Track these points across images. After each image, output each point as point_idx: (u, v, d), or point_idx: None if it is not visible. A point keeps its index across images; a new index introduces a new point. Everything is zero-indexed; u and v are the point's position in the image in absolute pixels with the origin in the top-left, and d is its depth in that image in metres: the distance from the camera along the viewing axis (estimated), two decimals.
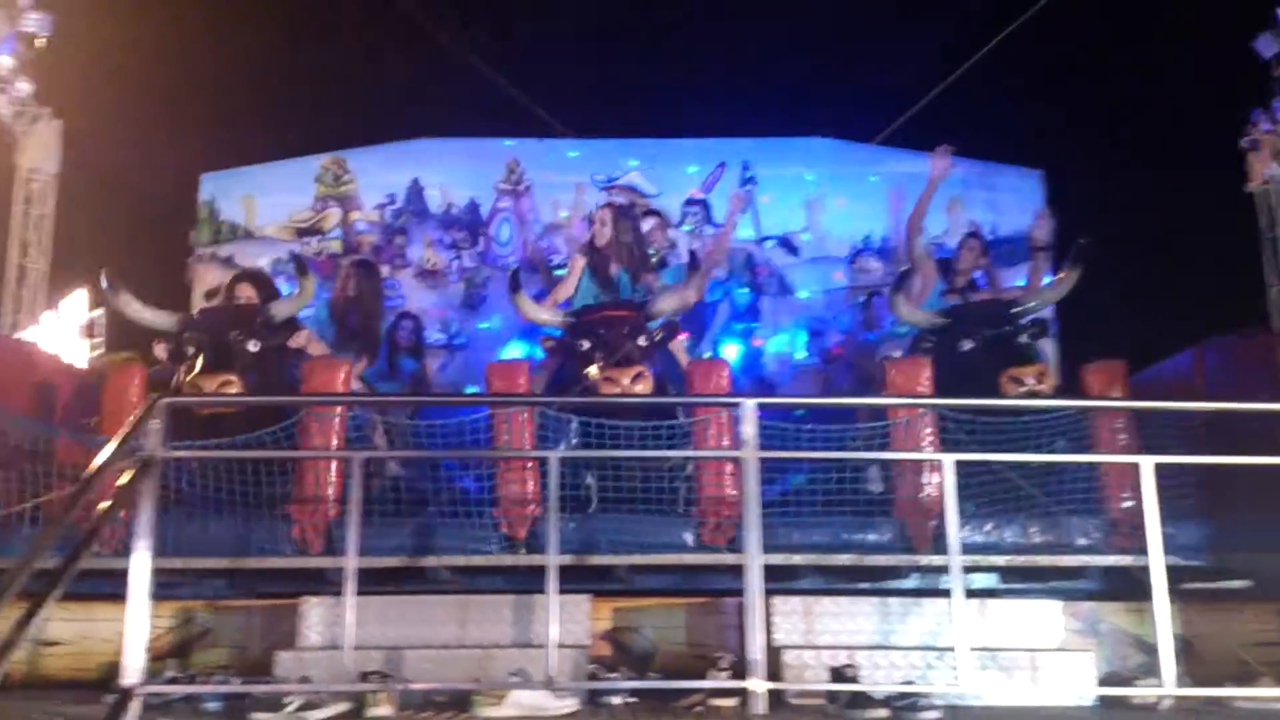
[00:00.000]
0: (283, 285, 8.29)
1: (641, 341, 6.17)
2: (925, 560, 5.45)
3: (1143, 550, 4.48)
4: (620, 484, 5.65)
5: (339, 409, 5.79)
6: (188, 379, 5.89)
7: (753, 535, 4.37)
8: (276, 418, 5.66)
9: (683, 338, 7.27)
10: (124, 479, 4.33)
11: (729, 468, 5.57)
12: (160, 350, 6.56)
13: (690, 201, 10.97)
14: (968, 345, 6.18)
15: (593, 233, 7.44)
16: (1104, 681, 4.82)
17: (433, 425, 5.86)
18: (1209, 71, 14.44)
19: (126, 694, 4.06)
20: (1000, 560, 5.52)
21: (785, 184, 10.91)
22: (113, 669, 4.30)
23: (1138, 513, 4.62)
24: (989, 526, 5.61)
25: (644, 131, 11.36)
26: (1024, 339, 6.22)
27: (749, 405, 4.57)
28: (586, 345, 6.13)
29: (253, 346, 6.06)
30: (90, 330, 15.79)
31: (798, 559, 5.38)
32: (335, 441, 5.71)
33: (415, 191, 11.00)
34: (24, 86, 13.19)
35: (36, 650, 5.55)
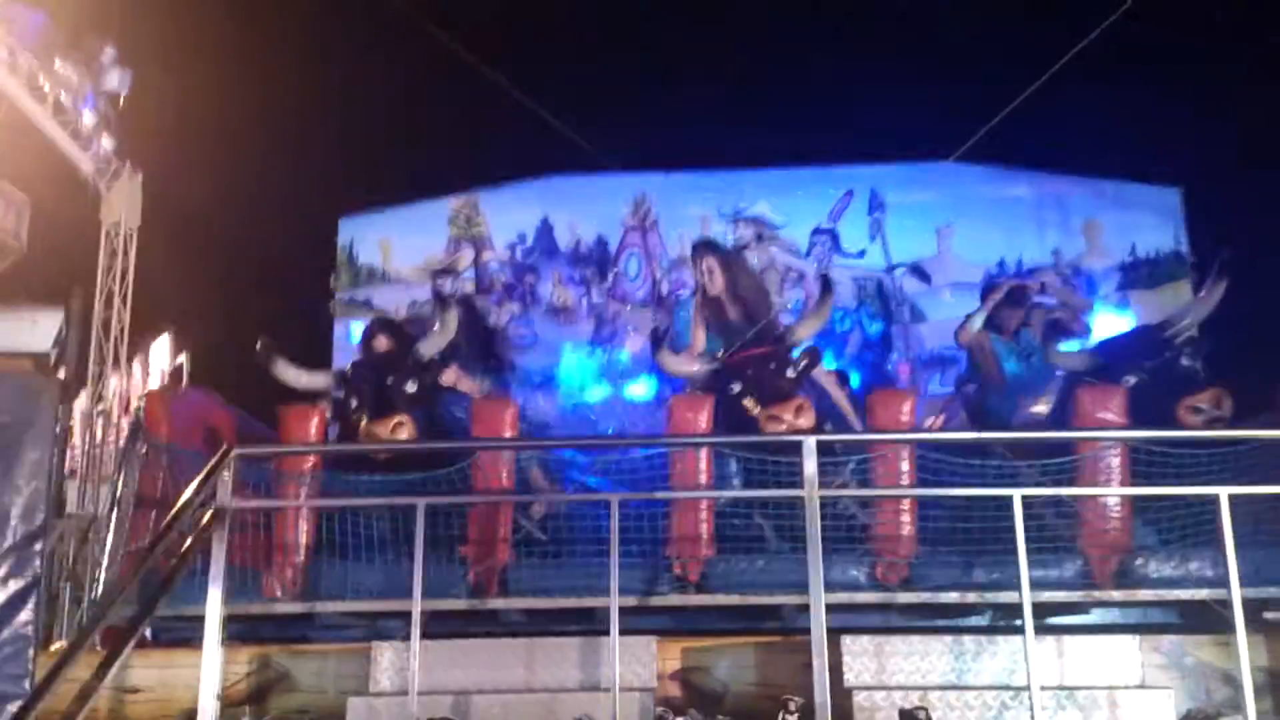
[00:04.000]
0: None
1: (790, 373, 6.20)
2: (1001, 598, 5.34)
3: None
4: (788, 523, 5.63)
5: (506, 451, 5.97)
6: (363, 429, 6.06)
7: (816, 574, 4.35)
8: (450, 458, 5.82)
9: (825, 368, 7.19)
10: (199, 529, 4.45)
11: (906, 504, 5.61)
12: (325, 410, 6.73)
13: (818, 231, 10.97)
14: (1132, 380, 5.99)
15: (701, 284, 7.40)
16: (1186, 718, 4.66)
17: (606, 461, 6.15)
18: None
19: None
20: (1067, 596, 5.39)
21: (914, 210, 10.85)
22: (193, 714, 4.39)
23: None
24: (1174, 562, 5.48)
25: (769, 162, 11.41)
26: (1186, 362, 6.05)
27: (809, 442, 4.56)
28: (737, 388, 6.16)
29: (410, 387, 6.24)
30: (176, 376, 16.20)
31: (861, 598, 5.31)
32: (505, 480, 5.88)
33: (544, 230, 11.17)
34: (106, 143, 13.61)
35: (119, 698, 5.66)
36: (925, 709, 4.49)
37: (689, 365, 6.68)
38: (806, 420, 5.92)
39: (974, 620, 5.66)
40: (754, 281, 7.53)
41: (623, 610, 5.40)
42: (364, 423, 6.14)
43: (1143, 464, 5.41)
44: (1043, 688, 4.26)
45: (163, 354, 16.75)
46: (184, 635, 5.63)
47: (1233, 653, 4.85)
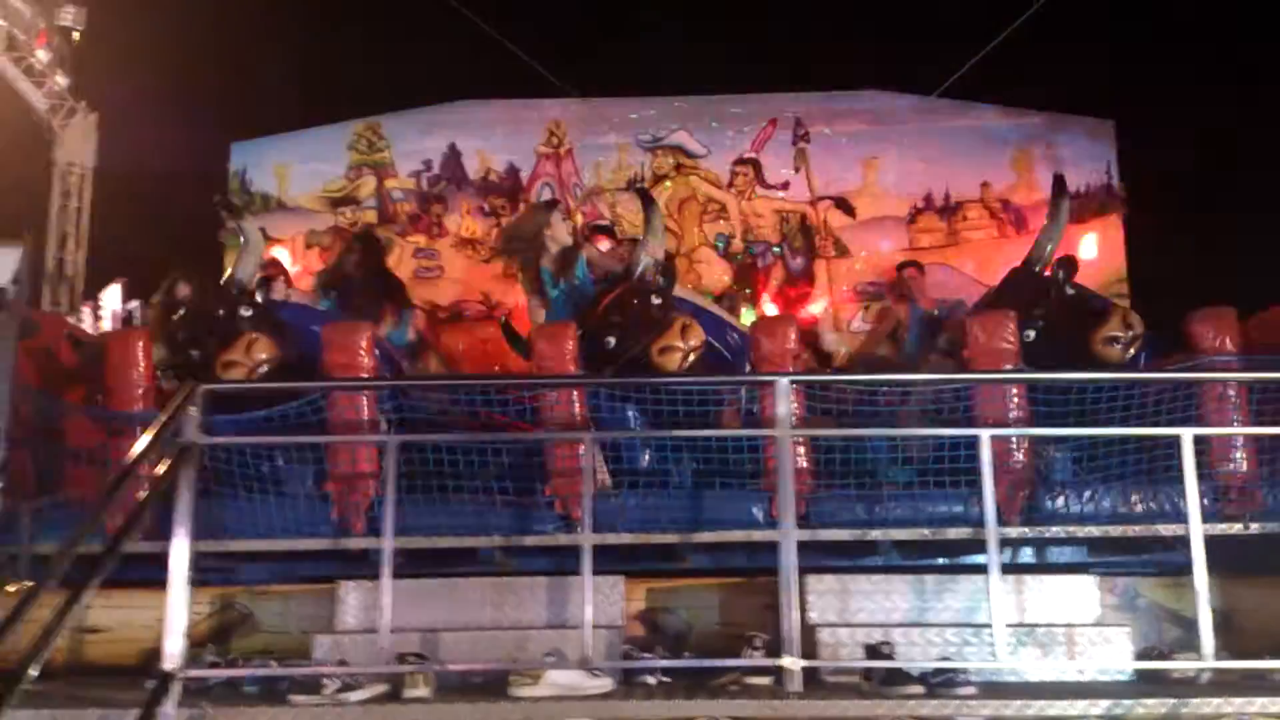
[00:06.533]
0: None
1: (655, 300, 5.91)
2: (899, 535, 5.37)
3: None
4: (685, 455, 5.56)
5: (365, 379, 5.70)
6: (222, 360, 5.80)
7: (788, 512, 4.41)
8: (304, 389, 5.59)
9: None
10: (162, 466, 4.39)
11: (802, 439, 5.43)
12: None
13: (740, 161, 10.84)
14: (1031, 334, 5.76)
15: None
16: (1141, 656, 4.78)
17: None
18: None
19: (167, 678, 4.12)
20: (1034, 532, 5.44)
21: (839, 141, 10.72)
22: (153, 655, 4.38)
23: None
24: (1087, 495, 5.44)
25: (690, 89, 11.15)
26: (1070, 291, 5.97)
27: (783, 383, 4.58)
28: (612, 341, 5.86)
29: (246, 311, 6.00)
30: (128, 321, 15.96)
31: (830, 534, 5.32)
32: (366, 414, 5.60)
33: (452, 157, 10.85)
34: (61, 80, 13.32)
35: (78, 637, 5.62)
36: (889, 644, 4.56)
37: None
38: (695, 338, 5.68)
39: (870, 561, 5.60)
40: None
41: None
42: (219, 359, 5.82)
43: (1058, 400, 5.33)
44: (1005, 625, 4.34)
45: (115, 300, 16.47)
46: (141, 575, 5.58)
47: (1183, 594, 5.00)
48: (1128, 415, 5.19)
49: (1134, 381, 5.26)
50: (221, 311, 5.99)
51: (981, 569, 4.69)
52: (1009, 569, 5.02)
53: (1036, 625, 4.84)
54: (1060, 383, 5.30)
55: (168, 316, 6.33)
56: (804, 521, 5.20)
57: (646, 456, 5.67)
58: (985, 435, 4.47)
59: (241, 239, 6.38)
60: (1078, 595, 5.08)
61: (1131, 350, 5.70)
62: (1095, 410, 5.19)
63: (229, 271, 6.31)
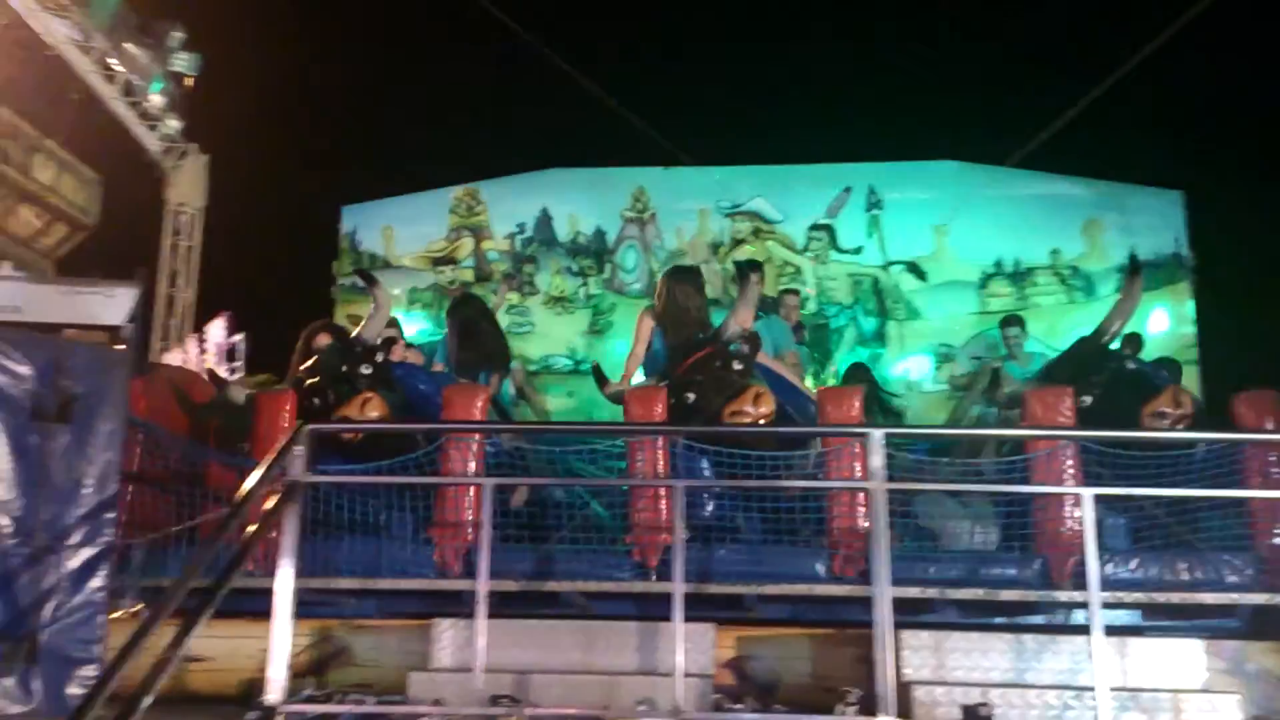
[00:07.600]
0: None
1: (737, 366, 6.10)
2: (1065, 596, 5.32)
3: None
4: (752, 513, 5.71)
5: (477, 435, 5.95)
6: (337, 414, 6.09)
7: (882, 567, 4.35)
8: (417, 442, 5.90)
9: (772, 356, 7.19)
10: (270, 503, 4.51)
11: (861, 498, 5.51)
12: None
13: (815, 227, 11.02)
14: (1088, 401, 5.87)
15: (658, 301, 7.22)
16: None
17: (566, 451, 6.08)
18: None
19: (270, 712, 4.21)
20: (1141, 597, 5.36)
21: (911, 208, 10.87)
22: (253, 686, 4.48)
23: None
24: (1134, 563, 5.51)
25: (769, 158, 11.53)
26: (1131, 365, 6.06)
27: (876, 435, 4.55)
28: (692, 397, 6.03)
29: (366, 370, 6.28)
30: (231, 355, 16.39)
31: (931, 592, 5.30)
32: (474, 467, 5.85)
33: (544, 220, 11.30)
34: (174, 124, 13.85)
35: (182, 666, 5.76)
36: (988, 705, 4.47)
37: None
38: (767, 406, 5.81)
39: (935, 617, 5.64)
40: (700, 307, 7.11)
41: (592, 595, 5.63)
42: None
43: (1093, 466, 5.41)
44: (1109, 689, 4.23)
45: (219, 333, 16.94)
46: (245, 607, 5.71)
47: None
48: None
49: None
50: (345, 368, 6.30)
51: (1083, 629, 4.59)
52: (1112, 631, 4.91)
53: (1141, 690, 4.71)
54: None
55: (300, 363, 6.65)
56: (863, 578, 5.27)
57: (710, 508, 5.85)
58: (1088, 494, 4.39)
59: (373, 303, 6.76)
60: (1183, 659, 4.94)
61: (1179, 427, 5.65)
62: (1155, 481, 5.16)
63: (356, 330, 6.66)
